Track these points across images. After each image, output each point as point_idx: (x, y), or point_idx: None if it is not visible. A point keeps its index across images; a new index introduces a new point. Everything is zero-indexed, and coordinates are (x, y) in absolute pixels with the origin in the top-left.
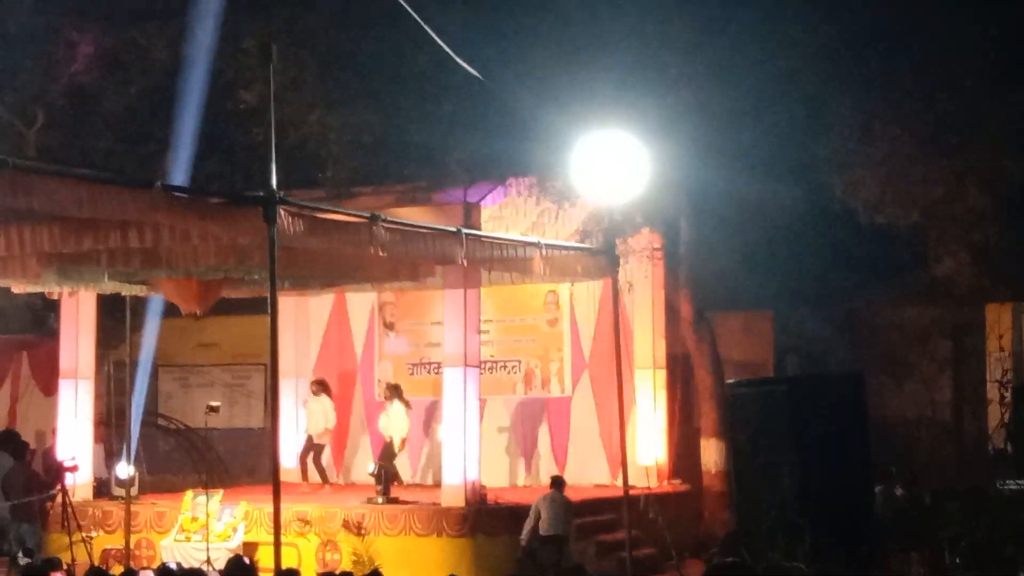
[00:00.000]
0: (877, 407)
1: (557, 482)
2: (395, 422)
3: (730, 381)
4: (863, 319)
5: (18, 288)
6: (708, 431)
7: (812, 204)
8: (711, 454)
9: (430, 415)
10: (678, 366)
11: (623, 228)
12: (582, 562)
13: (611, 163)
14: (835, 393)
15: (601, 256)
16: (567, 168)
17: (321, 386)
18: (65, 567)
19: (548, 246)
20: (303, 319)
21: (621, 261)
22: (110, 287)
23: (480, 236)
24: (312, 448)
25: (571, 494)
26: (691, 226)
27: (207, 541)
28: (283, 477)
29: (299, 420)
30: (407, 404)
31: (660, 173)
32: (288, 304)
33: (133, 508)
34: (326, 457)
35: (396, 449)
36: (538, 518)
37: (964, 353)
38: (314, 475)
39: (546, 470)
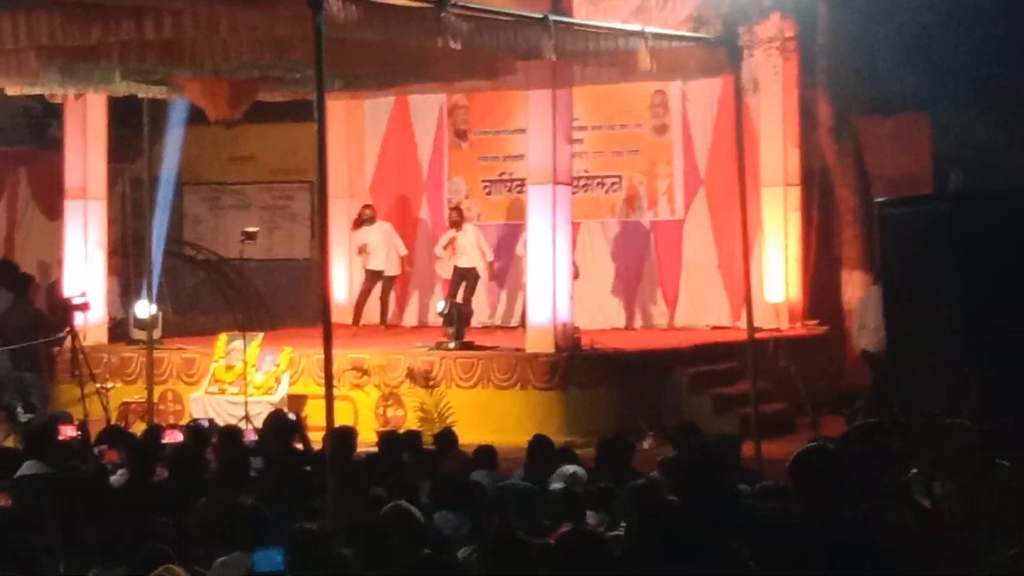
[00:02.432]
0: None
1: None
2: (474, 248)
3: (879, 200)
4: None
5: (13, 90)
6: (851, 261)
7: None
8: (855, 289)
9: (512, 243)
10: (814, 183)
11: (747, 13)
12: (693, 419)
13: None
14: (1010, 212)
15: (720, 48)
16: None
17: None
18: (76, 422)
19: (655, 36)
20: (356, 127)
21: (745, 54)
22: (123, 88)
23: (572, 24)
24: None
25: (684, 337)
26: (832, 10)
27: (245, 394)
28: (335, 317)
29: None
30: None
31: None
32: (338, 109)
33: (156, 354)
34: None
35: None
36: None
37: None
38: (370, 316)
39: (654, 309)
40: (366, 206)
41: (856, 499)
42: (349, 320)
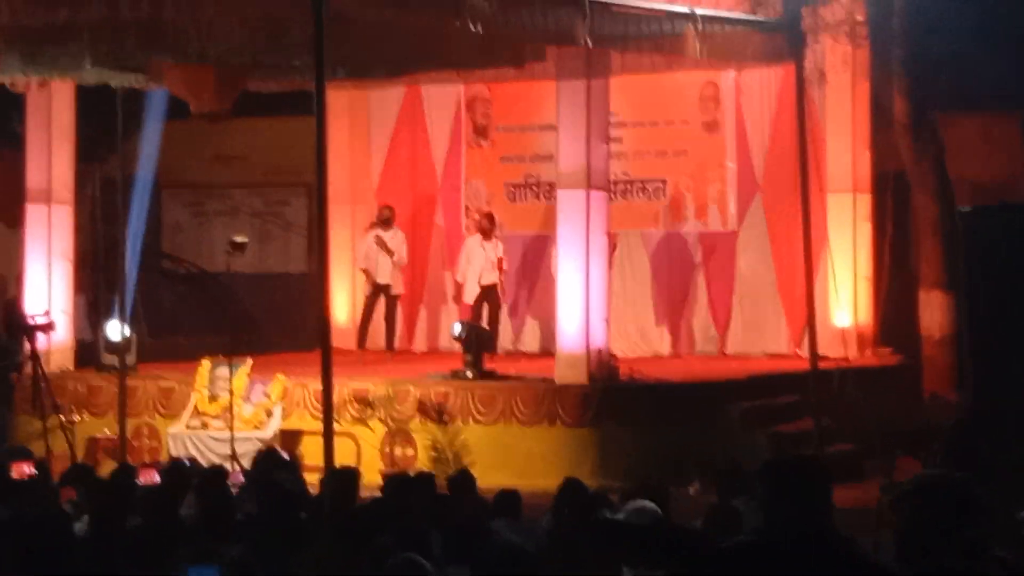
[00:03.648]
0: None
1: None
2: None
3: (963, 209)
4: None
5: None
6: (930, 279)
7: None
8: (935, 312)
9: (539, 257)
10: (888, 189)
11: None
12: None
13: None
14: None
15: (780, 33)
16: None
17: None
18: (35, 460)
19: (706, 18)
20: (361, 122)
21: (809, 40)
22: (94, 76)
23: (610, 4)
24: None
25: (737, 366)
26: None
27: (231, 429)
28: (336, 341)
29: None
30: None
31: None
32: (340, 101)
33: (130, 383)
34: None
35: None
36: None
37: None
38: (375, 339)
39: (702, 334)
40: (386, 206)
41: (936, 555)
42: (351, 344)
